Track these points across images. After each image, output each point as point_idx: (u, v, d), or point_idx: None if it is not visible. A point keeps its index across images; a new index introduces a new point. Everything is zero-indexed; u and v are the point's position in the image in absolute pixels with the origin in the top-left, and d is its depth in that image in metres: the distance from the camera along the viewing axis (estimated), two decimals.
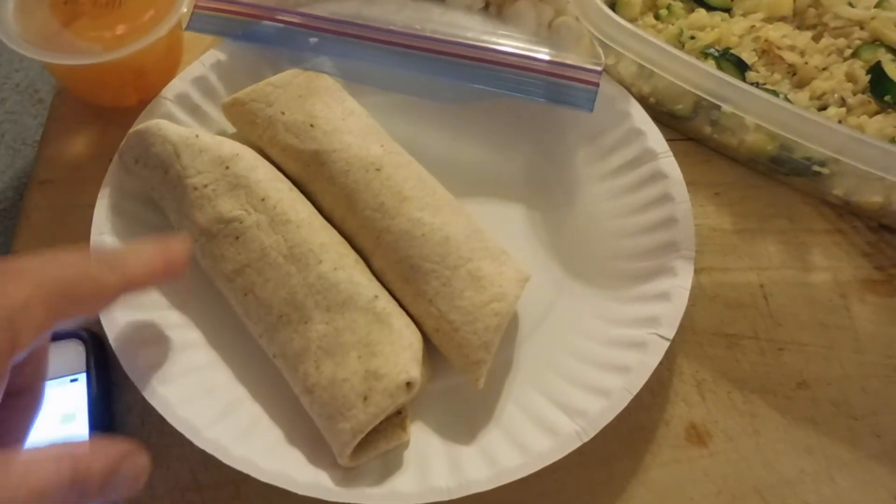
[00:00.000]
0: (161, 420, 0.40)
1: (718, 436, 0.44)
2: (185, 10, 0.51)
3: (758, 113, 0.45)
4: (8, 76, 0.61)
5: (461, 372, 0.42)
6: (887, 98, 0.50)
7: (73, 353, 0.44)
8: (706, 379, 0.46)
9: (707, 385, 0.46)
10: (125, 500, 0.41)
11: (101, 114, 0.54)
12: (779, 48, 0.52)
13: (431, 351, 0.44)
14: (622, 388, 0.41)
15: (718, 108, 0.49)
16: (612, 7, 0.53)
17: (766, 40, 0.53)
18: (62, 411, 0.42)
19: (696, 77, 0.46)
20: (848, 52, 0.53)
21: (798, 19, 0.56)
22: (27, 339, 0.29)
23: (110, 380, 0.44)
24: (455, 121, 0.54)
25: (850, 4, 0.54)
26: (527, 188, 0.52)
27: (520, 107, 0.52)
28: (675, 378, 0.46)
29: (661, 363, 0.42)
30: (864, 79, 0.51)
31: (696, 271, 0.45)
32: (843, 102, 0.51)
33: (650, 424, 0.44)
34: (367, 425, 0.39)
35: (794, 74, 0.52)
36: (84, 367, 0.43)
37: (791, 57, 0.52)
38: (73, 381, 0.43)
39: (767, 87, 0.51)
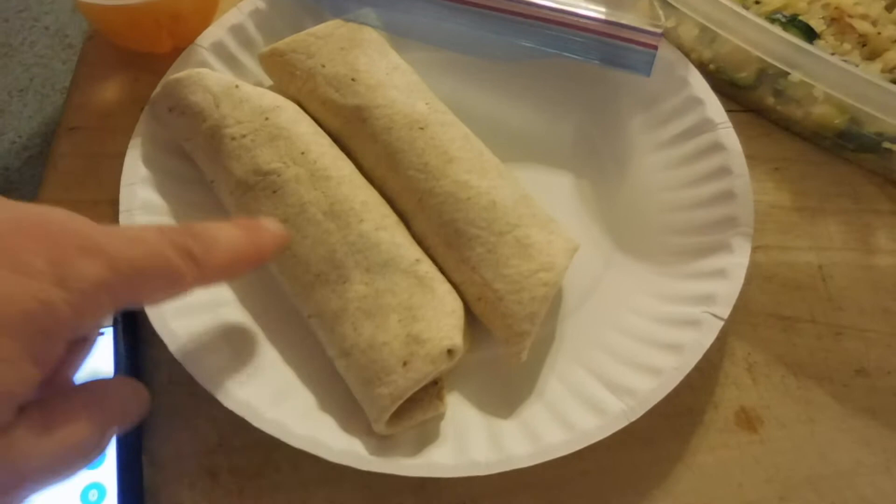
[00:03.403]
0: (190, 379, 0.38)
1: (770, 422, 0.42)
2: None
3: (831, 82, 0.42)
4: (37, 18, 0.59)
5: (503, 343, 0.40)
6: None
7: None
8: (759, 362, 0.44)
9: (759, 368, 0.44)
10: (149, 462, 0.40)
11: (134, 60, 0.52)
12: (850, 16, 0.49)
13: (471, 320, 0.42)
14: (672, 368, 0.39)
15: (785, 76, 0.46)
16: None
17: (836, 7, 0.50)
18: (89, 365, 0.40)
19: (765, 41, 0.44)
20: None
21: None
22: (88, 324, 0.28)
23: (138, 335, 0.43)
24: (503, 81, 0.51)
25: None
26: (576, 155, 0.50)
27: (572, 68, 0.50)
28: (727, 360, 0.44)
29: (711, 344, 0.40)
30: None
31: (753, 249, 0.43)
32: None
33: (698, 407, 0.42)
34: (407, 391, 0.37)
35: (865, 45, 0.49)
36: (111, 322, 0.42)
37: (863, 26, 0.49)
38: (100, 334, 0.42)
39: (837, 57, 0.48)
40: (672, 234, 0.45)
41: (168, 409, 0.41)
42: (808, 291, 0.46)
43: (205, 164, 0.45)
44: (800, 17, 0.49)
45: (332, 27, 0.48)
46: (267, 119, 0.44)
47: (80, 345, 0.32)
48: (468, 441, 0.38)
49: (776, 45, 0.43)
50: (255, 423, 0.37)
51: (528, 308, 0.39)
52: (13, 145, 0.54)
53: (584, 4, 0.48)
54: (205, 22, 0.50)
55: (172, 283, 0.30)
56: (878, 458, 0.41)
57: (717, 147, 0.46)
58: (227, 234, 0.33)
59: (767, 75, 0.48)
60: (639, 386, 0.39)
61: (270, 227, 0.37)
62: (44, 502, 0.37)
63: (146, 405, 0.32)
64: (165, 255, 0.30)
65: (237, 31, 0.50)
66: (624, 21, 0.48)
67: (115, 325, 0.42)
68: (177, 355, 0.39)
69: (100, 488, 0.38)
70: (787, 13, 0.50)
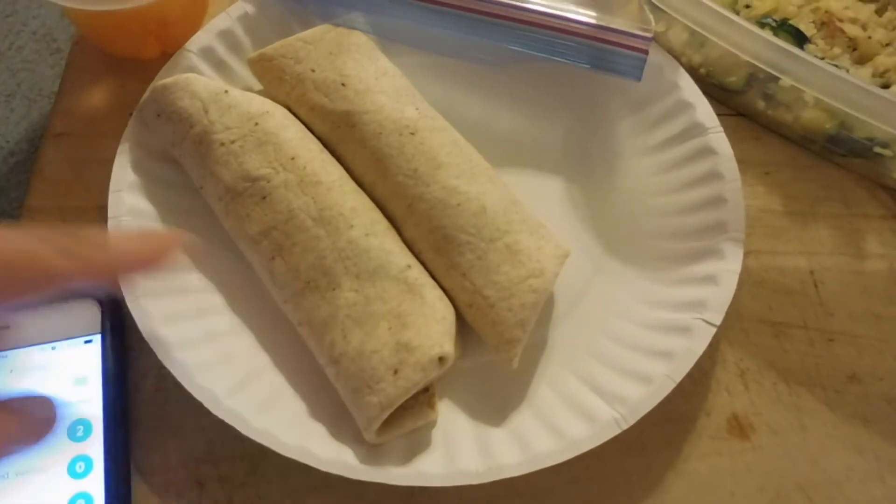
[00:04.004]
0: (178, 387, 0.38)
1: (762, 429, 0.42)
2: None
3: (821, 87, 0.42)
4: (25, 23, 0.59)
5: (494, 350, 0.40)
6: None
7: (87, 313, 0.42)
8: (750, 368, 0.44)
9: (751, 375, 0.43)
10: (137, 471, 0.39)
11: (121, 65, 0.52)
12: (840, 20, 0.49)
13: (462, 327, 0.41)
14: (664, 375, 0.39)
15: (775, 81, 0.46)
16: None
17: (826, 11, 0.49)
18: (75, 373, 0.40)
19: (754, 46, 0.44)
20: None
21: None
22: None
23: (125, 343, 0.42)
24: (492, 85, 0.51)
25: None
26: (566, 160, 0.50)
27: (561, 72, 0.49)
28: (718, 366, 0.44)
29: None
30: None
31: (744, 254, 0.43)
32: None
33: (690, 414, 0.42)
34: (397, 399, 0.37)
35: (855, 49, 0.49)
36: (99, 329, 0.41)
37: (852, 30, 0.49)
38: (87, 342, 0.41)
39: (827, 61, 0.48)
40: (663, 239, 0.45)
41: (155, 417, 0.41)
42: (799, 297, 0.46)
43: (193, 170, 0.44)
44: (790, 21, 0.49)
45: (321, 32, 0.48)
46: (256, 125, 0.43)
47: None
48: (458, 450, 0.38)
49: (765, 49, 0.43)
50: (244, 432, 0.37)
51: (518, 315, 0.39)
52: (0, 151, 0.53)
53: (573, 8, 0.48)
54: (193, 27, 0.50)
55: (45, 274, 0.30)
56: (870, 466, 0.41)
57: (707, 151, 0.46)
58: (114, 235, 0.34)
59: (757, 79, 0.48)
60: (630, 393, 0.39)
61: (169, 237, 0.38)
62: None
63: (50, 427, 0.31)
64: (30, 248, 0.29)
65: (226, 36, 0.50)
66: (614, 25, 0.47)
67: (102, 333, 0.41)
68: (165, 363, 0.38)
69: (87, 498, 0.38)
70: (777, 17, 0.50)
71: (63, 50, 0.57)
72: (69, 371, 0.40)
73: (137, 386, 0.42)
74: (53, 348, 0.41)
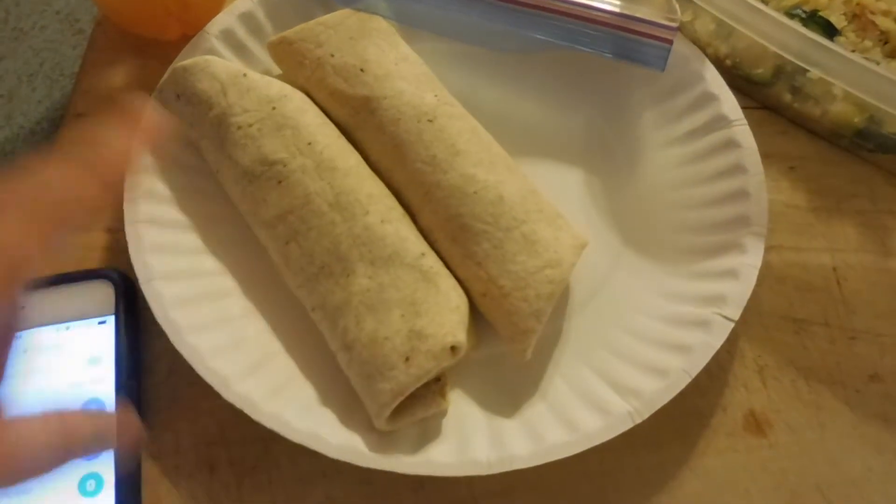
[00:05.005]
0: (190, 370, 0.38)
1: (780, 426, 0.41)
2: None
3: (851, 80, 0.41)
4: (48, 3, 0.59)
5: (508, 341, 0.40)
6: None
7: (101, 294, 0.42)
8: (769, 365, 0.43)
9: (770, 371, 0.43)
10: (148, 453, 0.39)
11: (142, 46, 0.52)
12: (872, 13, 0.48)
13: (475, 317, 0.41)
14: (680, 369, 0.38)
15: (803, 73, 0.45)
16: None
17: (857, 3, 0.48)
18: (89, 353, 0.41)
19: (783, 37, 0.42)
20: None
21: None
22: (26, 276, 0.26)
23: (139, 325, 0.42)
24: (512, 74, 0.50)
25: None
26: (586, 150, 0.49)
27: (583, 62, 0.49)
28: (736, 362, 0.43)
29: (720, 345, 0.39)
30: None
31: (766, 249, 0.42)
32: None
33: (706, 409, 0.42)
34: (408, 387, 0.36)
35: (887, 42, 0.48)
36: (112, 310, 0.42)
37: (885, 23, 0.48)
38: (100, 322, 0.41)
39: (857, 54, 0.47)
40: (683, 232, 0.44)
41: (168, 399, 0.41)
42: (821, 294, 0.45)
43: (210, 153, 0.44)
44: (820, 13, 0.48)
45: (341, 16, 0.47)
46: (274, 108, 0.43)
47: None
48: (470, 439, 0.38)
49: (795, 40, 0.42)
50: (255, 417, 0.37)
51: (533, 305, 0.39)
52: (21, 130, 0.53)
53: None
54: (214, 9, 0.49)
55: (86, 208, 0.28)
56: (890, 467, 0.40)
57: (731, 144, 0.45)
58: (108, 133, 0.30)
59: (785, 72, 0.47)
60: (645, 387, 0.38)
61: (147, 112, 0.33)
62: (40, 492, 0.37)
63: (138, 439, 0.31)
64: (71, 185, 0.28)
65: (246, 18, 0.49)
66: (638, 14, 0.47)
67: (116, 314, 0.42)
68: (177, 346, 0.38)
69: (97, 478, 0.38)
70: (806, 8, 0.48)
71: (85, 30, 0.58)
72: (83, 351, 0.41)
73: (150, 367, 0.42)
74: (67, 328, 0.41)
